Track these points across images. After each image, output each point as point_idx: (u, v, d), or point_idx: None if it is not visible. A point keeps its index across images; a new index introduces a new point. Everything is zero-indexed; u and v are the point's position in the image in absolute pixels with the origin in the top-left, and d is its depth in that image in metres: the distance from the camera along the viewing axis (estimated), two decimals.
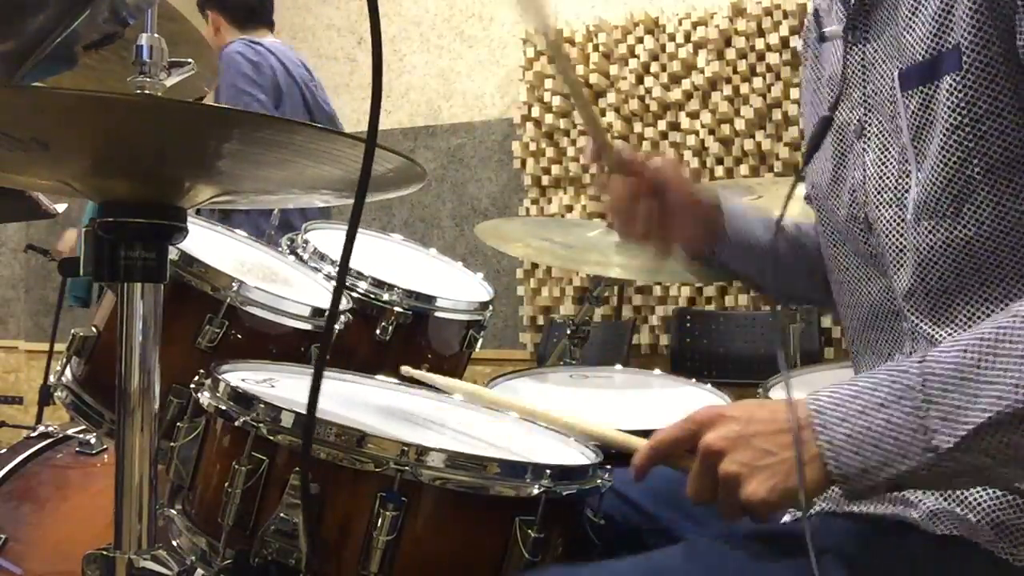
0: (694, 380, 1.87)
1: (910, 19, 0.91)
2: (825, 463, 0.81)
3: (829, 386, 0.85)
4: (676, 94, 3.58)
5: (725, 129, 3.48)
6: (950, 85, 0.86)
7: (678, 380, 1.93)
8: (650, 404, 1.81)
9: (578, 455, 1.15)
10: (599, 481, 1.03)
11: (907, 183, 0.93)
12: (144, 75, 0.95)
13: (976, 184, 0.86)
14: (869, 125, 0.98)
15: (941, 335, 0.91)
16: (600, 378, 1.95)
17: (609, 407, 1.77)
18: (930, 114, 0.89)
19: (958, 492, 0.88)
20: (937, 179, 0.89)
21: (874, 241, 0.99)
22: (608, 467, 1.07)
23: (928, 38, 0.89)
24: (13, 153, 0.80)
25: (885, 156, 0.96)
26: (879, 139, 0.97)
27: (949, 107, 0.87)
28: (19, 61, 0.89)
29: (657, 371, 2.03)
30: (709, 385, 1.81)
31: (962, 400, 0.77)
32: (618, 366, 2.05)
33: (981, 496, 0.86)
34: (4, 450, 1.79)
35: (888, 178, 0.96)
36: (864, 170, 0.99)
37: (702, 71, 3.53)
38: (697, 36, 3.53)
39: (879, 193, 0.97)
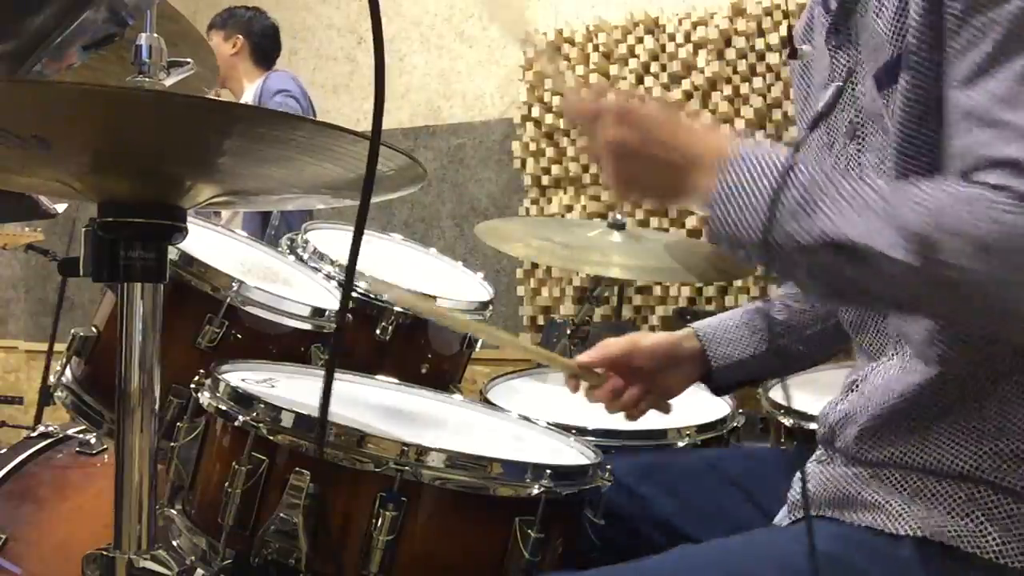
0: None
1: (876, 22, 0.93)
2: (705, 198, 0.86)
3: (764, 146, 0.89)
4: (676, 94, 3.57)
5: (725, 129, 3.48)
6: (903, 87, 0.88)
7: None
8: None
9: (578, 455, 1.15)
10: (599, 481, 1.03)
11: None
12: (143, 75, 0.95)
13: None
14: (863, 126, 0.99)
15: (907, 329, 0.92)
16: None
17: None
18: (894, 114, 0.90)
19: (924, 489, 0.89)
20: (893, 178, 0.90)
21: None
22: (608, 467, 1.07)
23: (890, 39, 0.90)
24: (13, 151, 0.79)
25: (883, 156, 0.96)
26: (875, 138, 0.97)
27: (899, 108, 0.88)
28: (20, 61, 0.89)
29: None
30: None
31: (815, 208, 0.81)
32: None
33: (949, 490, 0.87)
34: (4, 450, 1.79)
35: (889, 177, 0.96)
36: (860, 172, 0.99)
37: (702, 71, 3.52)
38: (697, 36, 3.52)
39: None
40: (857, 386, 1.00)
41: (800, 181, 0.82)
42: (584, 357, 1.26)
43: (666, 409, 1.28)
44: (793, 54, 1.14)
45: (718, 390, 1.33)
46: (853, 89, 1.00)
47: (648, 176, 0.90)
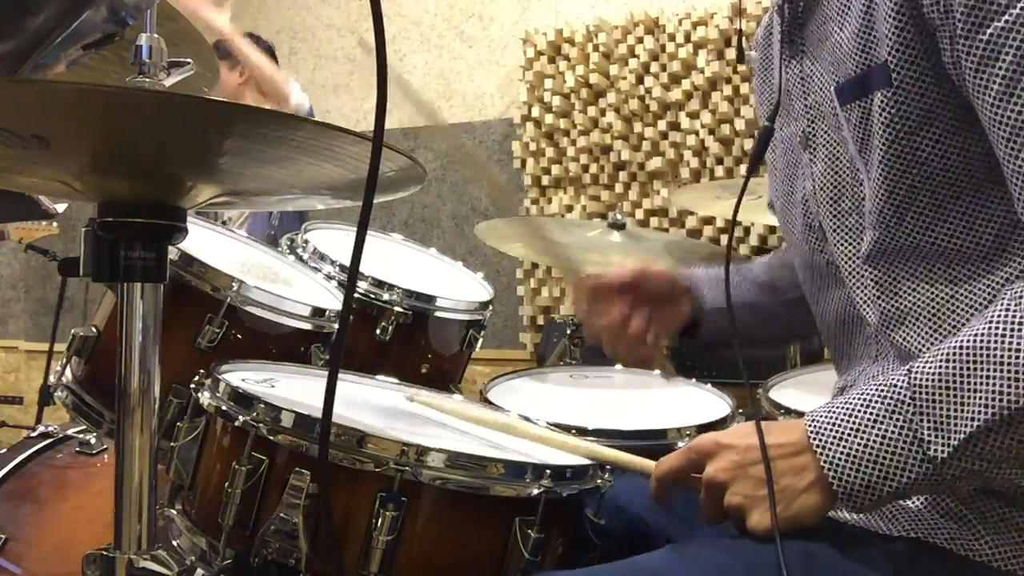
0: (694, 380, 1.87)
1: (838, 34, 0.93)
2: (829, 483, 0.83)
3: (825, 405, 0.87)
4: (676, 94, 3.57)
5: (725, 129, 3.48)
6: (882, 101, 0.88)
7: (678, 380, 1.92)
8: (650, 404, 1.80)
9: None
10: (599, 481, 1.03)
11: (862, 192, 0.94)
12: (143, 75, 0.95)
13: (917, 193, 0.88)
14: (814, 136, 1.00)
15: (904, 339, 0.92)
16: (600, 378, 1.95)
17: (609, 407, 1.77)
18: (869, 127, 0.90)
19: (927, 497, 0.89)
20: (879, 191, 0.90)
21: (829, 250, 1.00)
22: (608, 467, 1.07)
23: (856, 53, 0.90)
24: (14, 151, 0.79)
25: (836, 166, 0.97)
26: (827, 149, 0.98)
27: (883, 122, 0.88)
28: (19, 61, 0.89)
29: (657, 371, 2.03)
30: (709, 385, 1.81)
31: (951, 409, 0.78)
32: (618, 366, 2.05)
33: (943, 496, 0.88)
34: (4, 450, 1.79)
35: (843, 187, 0.97)
36: (813, 180, 1.00)
37: (702, 71, 3.52)
38: (697, 36, 3.52)
39: (834, 203, 0.98)
40: (846, 391, 1.00)
41: (914, 401, 0.80)
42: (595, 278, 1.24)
43: (652, 365, 1.28)
44: (740, 57, 1.15)
45: (708, 342, 1.32)
46: (805, 99, 1.00)
47: (763, 485, 0.85)
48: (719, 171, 3.53)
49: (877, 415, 0.81)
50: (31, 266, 4.99)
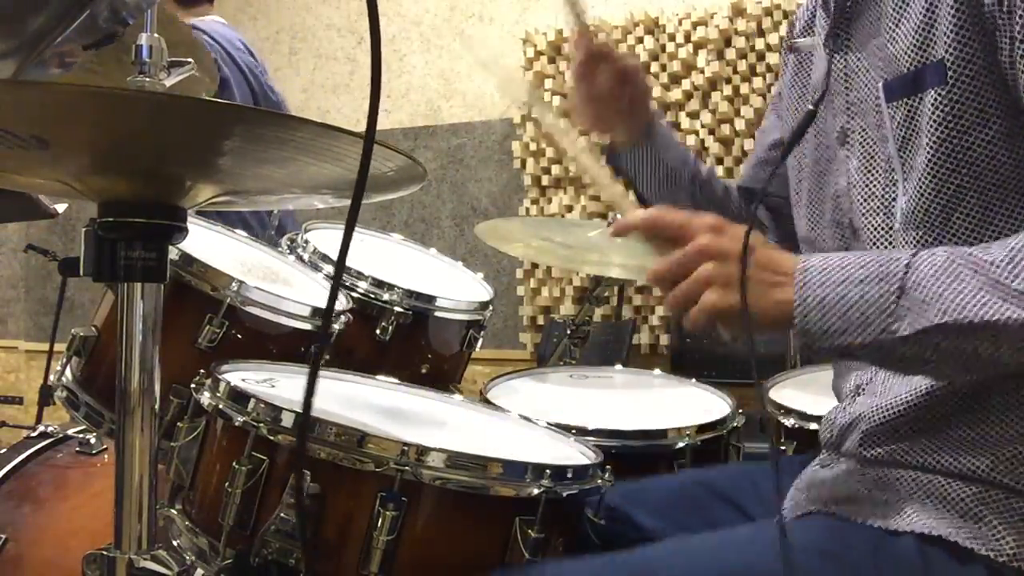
0: (694, 380, 1.87)
1: (893, 31, 0.92)
2: (792, 316, 0.85)
3: (820, 255, 0.88)
4: (676, 94, 3.57)
5: (725, 129, 3.48)
6: (935, 98, 0.88)
7: (678, 380, 1.93)
8: (650, 404, 1.81)
9: (578, 455, 1.15)
10: (599, 481, 1.03)
11: (893, 192, 0.94)
12: (144, 75, 0.95)
13: (965, 193, 0.88)
14: (852, 133, 0.99)
15: None
16: (600, 378, 1.95)
17: (609, 407, 1.77)
18: (916, 125, 0.90)
19: (935, 490, 0.89)
20: (926, 189, 0.90)
21: (858, 247, 1.00)
22: (608, 467, 1.07)
23: (912, 51, 0.90)
24: (13, 152, 0.79)
25: (871, 164, 0.97)
26: (863, 147, 0.98)
27: (935, 120, 0.88)
28: (20, 61, 0.89)
29: (657, 371, 2.03)
30: (709, 385, 1.81)
31: (931, 295, 0.80)
32: (618, 366, 2.05)
33: (961, 492, 0.87)
34: (4, 450, 1.79)
35: (875, 186, 0.97)
36: (848, 177, 1.00)
37: (702, 71, 3.52)
38: (697, 36, 3.52)
39: (865, 201, 0.98)
40: (864, 389, 1.00)
41: (905, 277, 0.82)
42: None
43: (605, 135, 1.33)
44: (791, 48, 1.14)
45: (618, 159, 1.35)
46: (847, 95, 1.00)
47: (738, 285, 0.86)
48: (719, 171, 3.52)
49: (867, 276, 0.83)
50: (31, 266, 4.99)
